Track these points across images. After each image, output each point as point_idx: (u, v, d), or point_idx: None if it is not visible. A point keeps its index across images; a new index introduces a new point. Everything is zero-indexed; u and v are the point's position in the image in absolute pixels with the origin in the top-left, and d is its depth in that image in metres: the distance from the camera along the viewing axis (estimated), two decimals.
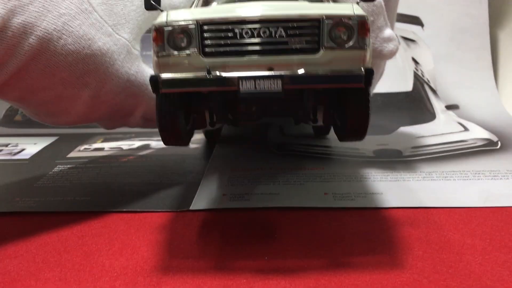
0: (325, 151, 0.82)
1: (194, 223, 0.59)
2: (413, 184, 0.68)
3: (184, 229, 0.58)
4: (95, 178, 0.73)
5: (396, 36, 0.65)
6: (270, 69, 0.48)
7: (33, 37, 0.51)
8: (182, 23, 0.48)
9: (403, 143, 0.85)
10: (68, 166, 0.79)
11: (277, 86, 0.48)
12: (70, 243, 0.55)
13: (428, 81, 1.11)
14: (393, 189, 0.66)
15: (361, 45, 0.48)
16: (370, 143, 0.85)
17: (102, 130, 0.72)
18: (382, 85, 1.07)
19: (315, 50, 0.48)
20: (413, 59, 1.13)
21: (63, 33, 0.53)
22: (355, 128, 0.53)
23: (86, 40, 0.55)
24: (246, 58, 0.48)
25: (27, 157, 0.85)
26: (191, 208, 0.63)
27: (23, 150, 0.88)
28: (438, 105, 1.06)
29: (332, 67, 0.48)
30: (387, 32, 0.63)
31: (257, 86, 0.48)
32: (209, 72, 0.48)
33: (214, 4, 0.58)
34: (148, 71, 0.63)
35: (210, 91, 0.51)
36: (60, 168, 0.78)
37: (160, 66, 0.49)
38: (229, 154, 0.83)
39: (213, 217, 0.61)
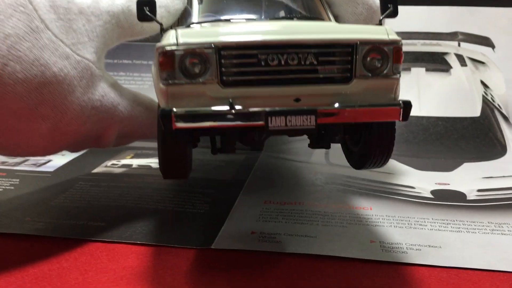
0: (374, 187, 0.72)
1: (215, 265, 0.51)
2: (479, 238, 0.57)
3: (203, 272, 0.49)
4: (115, 199, 0.67)
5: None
6: (297, 99, 0.42)
7: None
8: (197, 46, 0.41)
9: (467, 184, 0.73)
10: (90, 183, 0.73)
11: (310, 122, 0.41)
12: (71, 277, 0.48)
13: (500, 106, 0.98)
14: (454, 243, 0.55)
15: (394, 73, 0.43)
16: (428, 180, 0.74)
17: (133, 143, 0.65)
18: (445, 108, 0.96)
19: (347, 79, 0.43)
20: (482, 82, 1.01)
21: (9, 59, 0.45)
22: (379, 157, 0.49)
23: (38, 66, 0.47)
24: (271, 89, 0.42)
25: (52, 169, 0.80)
26: (213, 246, 0.54)
27: (49, 161, 0.83)
28: (510, 135, 0.92)
29: (365, 97, 0.43)
30: None
31: (288, 122, 0.41)
32: (232, 106, 0.41)
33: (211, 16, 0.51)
34: (113, 91, 0.55)
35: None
36: (81, 185, 0.72)
37: (169, 97, 0.41)
38: (266, 180, 0.75)
39: (238, 260, 0.52)
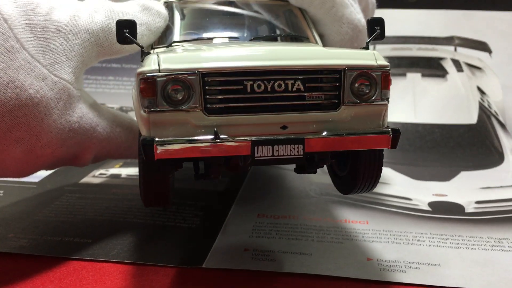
0: (370, 199, 0.70)
1: (206, 285, 0.49)
2: (478, 254, 0.55)
3: None
4: (102, 213, 0.64)
5: None
6: (284, 127, 0.41)
7: None
8: (180, 72, 0.39)
9: (465, 195, 0.72)
10: (77, 195, 0.71)
11: (298, 151, 0.40)
12: None
13: (496, 113, 0.97)
14: (453, 260, 0.54)
15: (383, 99, 0.43)
16: (425, 191, 0.72)
17: None
18: (441, 115, 0.95)
19: (334, 106, 0.42)
20: (479, 89, 0.99)
21: None
22: (366, 183, 0.48)
23: (13, 88, 0.44)
24: (257, 116, 0.40)
25: (37, 180, 0.77)
26: (204, 265, 0.52)
27: None
28: (507, 143, 0.91)
29: (353, 124, 0.42)
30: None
31: (275, 152, 0.40)
32: (217, 136, 0.39)
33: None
34: (91, 112, 0.53)
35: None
36: (67, 197, 0.70)
37: (151, 125, 0.39)
38: (259, 190, 0.73)
39: (230, 280, 0.50)
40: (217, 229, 0.60)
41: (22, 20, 0.46)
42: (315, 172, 0.50)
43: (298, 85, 0.41)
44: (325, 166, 0.52)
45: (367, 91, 0.42)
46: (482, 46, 1.02)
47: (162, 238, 0.58)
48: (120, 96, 1.05)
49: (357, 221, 0.63)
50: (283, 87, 0.40)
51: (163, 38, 0.54)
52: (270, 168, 0.83)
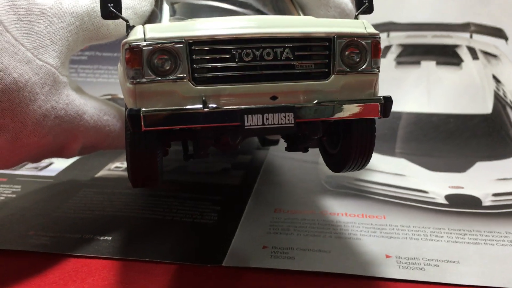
0: (387, 192, 0.70)
1: (227, 284, 0.49)
2: (497, 250, 0.55)
3: None
4: (120, 209, 0.65)
5: None
6: (274, 97, 0.40)
7: None
8: (167, 41, 0.38)
9: (481, 187, 0.71)
10: (94, 190, 0.71)
11: (289, 120, 0.40)
12: None
13: None
14: (472, 257, 0.54)
15: (373, 68, 0.42)
16: (441, 183, 0.72)
17: None
18: (456, 105, 0.94)
19: (325, 75, 0.42)
20: (494, 77, 0.98)
21: None
22: (359, 159, 0.47)
23: None
24: (246, 86, 0.40)
25: (53, 174, 0.77)
26: (224, 264, 0.53)
27: (50, 164, 0.81)
28: None
29: (344, 94, 0.42)
30: None
31: (265, 121, 0.40)
32: (205, 105, 0.39)
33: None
34: (78, 99, 0.52)
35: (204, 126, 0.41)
36: (84, 193, 0.70)
37: (137, 96, 0.39)
38: (274, 184, 0.73)
39: (250, 279, 0.51)
40: (234, 225, 0.60)
41: (5, 2, 0.45)
42: (306, 150, 0.50)
43: (287, 53, 0.40)
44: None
45: (357, 59, 0.42)
46: (498, 32, 1.00)
47: (182, 235, 0.58)
48: (114, 85, 1.05)
49: (374, 215, 0.63)
50: (272, 55, 0.40)
51: (149, 23, 0.53)
52: (283, 161, 0.83)
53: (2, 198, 0.68)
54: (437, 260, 0.53)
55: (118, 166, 0.80)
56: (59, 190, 0.71)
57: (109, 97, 0.99)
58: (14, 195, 0.69)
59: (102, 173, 0.78)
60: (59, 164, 0.81)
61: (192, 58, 0.39)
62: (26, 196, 0.69)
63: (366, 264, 0.52)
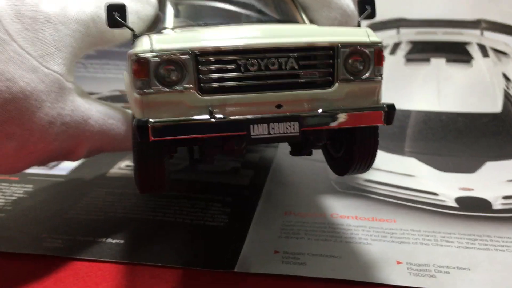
0: (397, 194, 0.70)
1: None
2: (507, 257, 0.55)
3: None
4: (131, 210, 0.65)
5: None
6: (278, 106, 0.41)
7: None
8: (174, 52, 0.39)
9: (491, 188, 0.71)
10: (105, 190, 0.71)
11: (294, 129, 0.41)
12: None
13: None
14: (482, 264, 0.54)
15: (376, 76, 0.43)
16: (451, 184, 0.72)
17: None
18: (465, 103, 0.93)
19: (329, 83, 0.43)
20: (504, 75, 0.97)
21: None
22: (362, 163, 0.48)
23: (3, 81, 0.44)
24: (251, 95, 0.41)
25: (65, 172, 0.78)
26: (236, 269, 0.53)
27: (61, 162, 0.81)
28: None
29: (348, 102, 0.43)
30: None
31: (271, 130, 0.41)
32: (212, 115, 0.40)
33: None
34: (84, 104, 0.52)
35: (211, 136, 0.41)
36: (96, 193, 0.71)
37: (144, 106, 0.40)
38: (284, 185, 0.73)
39: (263, 285, 0.51)
40: (245, 228, 0.61)
41: (10, 11, 0.46)
42: (310, 153, 0.51)
43: (292, 63, 0.41)
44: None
45: (361, 67, 0.43)
46: (509, 30, 0.99)
47: (193, 239, 0.59)
48: (122, 81, 1.05)
49: (384, 219, 0.63)
50: (277, 65, 0.41)
51: (153, 27, 0.53)
52: (292, 160, 0.83)
53: (14, 198, 0.69)
54: (447, 266, 0.53)
55: (128, 165, 0.81)
56: (71, 189, 0.72)
57: (118, 93, 0.99)
58: (26, 195, 0.70)
59: (112, 171, 0.78)
60: (69, 162, 0.81)
61: (199, 68, 0.40)
62: (38, 196, 0.70)
63: (377, 271, 0.52)
